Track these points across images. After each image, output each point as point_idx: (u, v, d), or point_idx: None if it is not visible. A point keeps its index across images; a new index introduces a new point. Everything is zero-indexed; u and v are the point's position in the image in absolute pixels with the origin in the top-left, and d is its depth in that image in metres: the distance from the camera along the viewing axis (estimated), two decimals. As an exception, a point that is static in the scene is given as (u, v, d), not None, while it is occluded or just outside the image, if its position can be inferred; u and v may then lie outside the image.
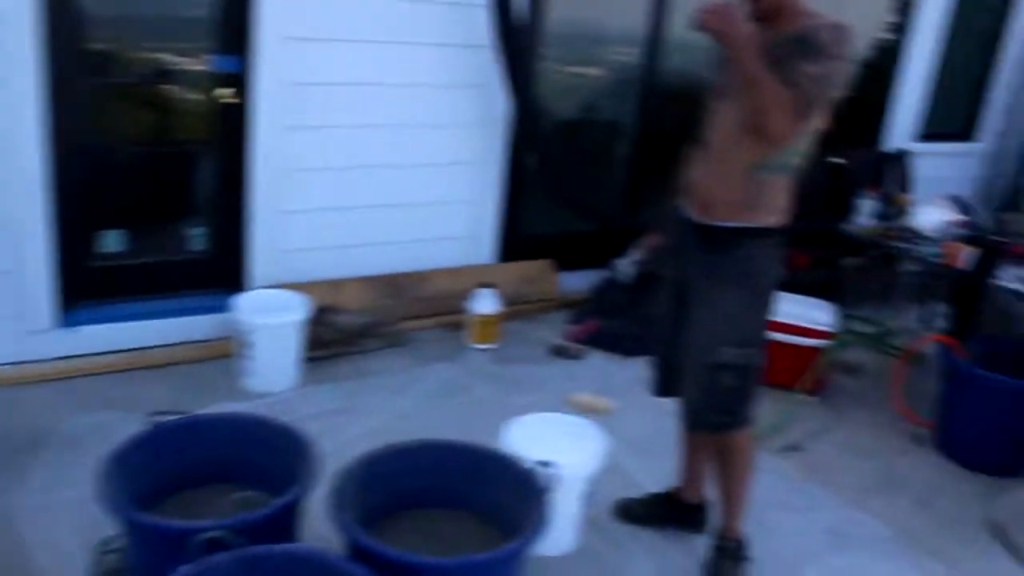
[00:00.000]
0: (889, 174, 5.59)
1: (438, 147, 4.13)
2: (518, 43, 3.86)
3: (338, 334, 3.87)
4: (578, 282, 4.69)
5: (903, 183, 5.59)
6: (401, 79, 3.93)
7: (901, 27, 5.78)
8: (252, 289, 3.73)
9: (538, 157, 4.17)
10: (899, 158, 5.66)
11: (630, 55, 4.72)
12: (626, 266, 2.73)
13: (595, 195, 4.74)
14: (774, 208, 2.26)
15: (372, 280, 4.13)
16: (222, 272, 3.82)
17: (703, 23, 2.08)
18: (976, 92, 6.58)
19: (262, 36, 3.51)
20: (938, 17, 5.80)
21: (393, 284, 4.19)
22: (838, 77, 2.05)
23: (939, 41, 5.89)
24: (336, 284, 4.01)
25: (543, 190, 4.36)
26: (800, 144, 2.17)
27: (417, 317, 4.19)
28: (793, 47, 2.04)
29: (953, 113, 6.56)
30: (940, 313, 4.27)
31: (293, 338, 3.51)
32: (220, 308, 3.56)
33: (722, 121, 2.24)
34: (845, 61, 2.05)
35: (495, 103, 4.12)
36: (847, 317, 4.40)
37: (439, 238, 4.29)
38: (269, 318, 3.41)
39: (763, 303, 2.33)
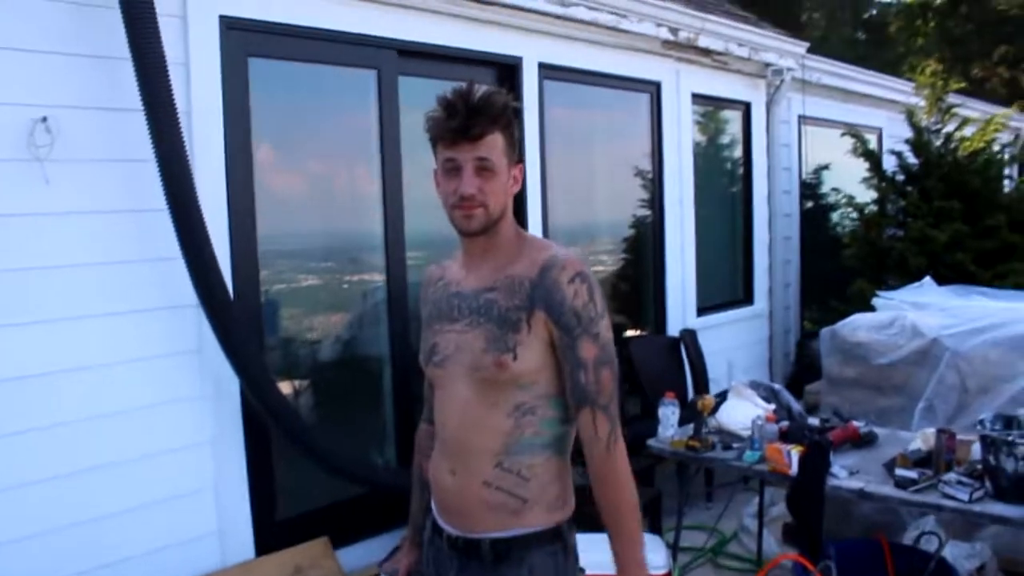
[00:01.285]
0: (678, 358, 5.31)
1: (152, 434, 3.28)
2: (225, 301, 3.18)
3: None
4: (365, 556, 3.88)
5: (695, 364, 5.30)
6: (86, 360, 3.10)
7: (653, 202, 5.68)
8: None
9: (285, 423, 3.41)
10: (685, 340, 5.40)
11: (374, 268, 4.20)
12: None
13: (362, 451, 4.02)
14: (555, 500, 1.71)
15: (89, 620, 3.12)
16: None
17: None
18: (740, 256, 6.62)
19: None
20: (679, 191, 5.77)
21: (119, 619, 3.19)
22: (610, 335, 1.69)
23: (692, 210, 5.85)
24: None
25: (301, 456, 3.58)
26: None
27: (157, 658, 3.20)
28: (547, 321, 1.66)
29: (726, 280, 6.54)
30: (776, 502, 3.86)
31: None
32: None
33: (458, 396, 1.73)
34: (606, 314, 1.69)
35: (222, 370, 3.37)
36: (677, 530, 3.85)
37: (175, 544, 3.35)
38: None
39: None
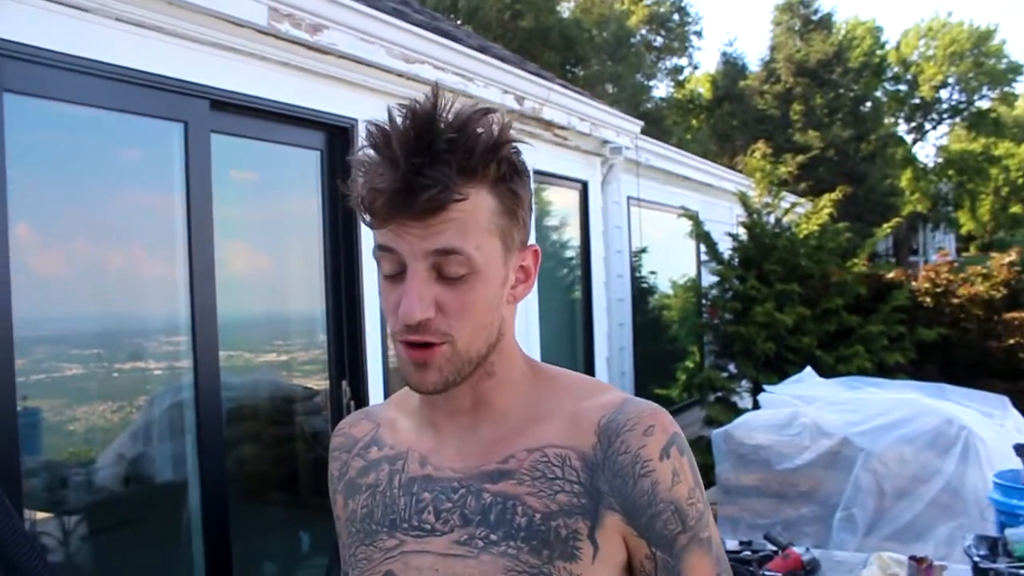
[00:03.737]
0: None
1: None
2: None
3: None
4: None
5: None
6: None
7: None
8: None
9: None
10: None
11: (178, 365, 3.25)
12: None
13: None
14: None
15: None
16: None
17: None
18: (581, 345, 6.16)
19: None
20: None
21: None
22: (718, 534, 1.02)
23: (536, 297, 5.31)
24: None
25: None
26: None
27: None
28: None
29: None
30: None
31: None
32: None
33: None
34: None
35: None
36: None
37: None
38: None
39: None
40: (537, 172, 5.42)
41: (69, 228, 2.99)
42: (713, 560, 0.96)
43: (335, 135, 3.90)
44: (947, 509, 3.17)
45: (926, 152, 37.75)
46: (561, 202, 6.07)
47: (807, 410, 3.70)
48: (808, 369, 4.61)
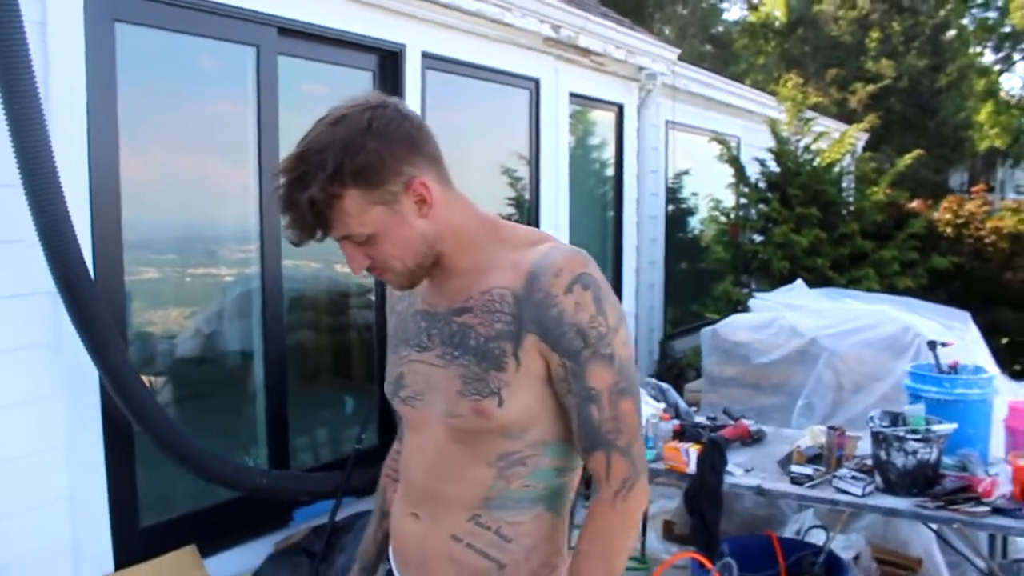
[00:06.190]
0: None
1: (-1, 438, 2.92)
2: (90, 290, 2.85)
3: None
4: (236, 564, 3.62)
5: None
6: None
7: (530, 200, 5.64)
8: None
9: (158, 429, 3.10)
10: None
11: (245, 255, 3.92)
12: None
13: (232, 450, 3.76)
14: (542, 567, 1.41)
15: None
16: None
17: None
18: (610, 257, 6.69)
19: None
20: (555, 189, 5.76)
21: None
22: (628, 352, 1.34)
23: (567, 209, 5.84)
24: None
25: (175, 465, 3.27)
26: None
27: None
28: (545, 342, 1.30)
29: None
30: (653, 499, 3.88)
31: None
32: None
33: (429, 442, 1.42)
34: (623, 326, 1.32)
35: (81, 366, 3.03)
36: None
37: (15, 564, 2.99)
38: None
39: None
40: (575, 95, 5.92)
41: (168, 138, 3.63)
42: (614, 370, 1.28)
43: (385, 58, 4.46)
44: (895, 403, 3.65)
45: (1012, 85, 36.14)
46: (594, 124, 6.54)
47: (787, 314, 4.20)
48: (798, 281, 5.09)
